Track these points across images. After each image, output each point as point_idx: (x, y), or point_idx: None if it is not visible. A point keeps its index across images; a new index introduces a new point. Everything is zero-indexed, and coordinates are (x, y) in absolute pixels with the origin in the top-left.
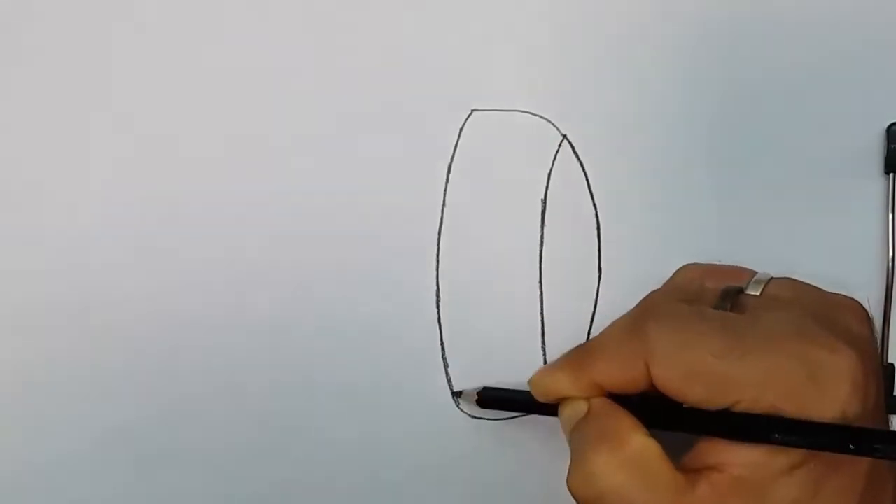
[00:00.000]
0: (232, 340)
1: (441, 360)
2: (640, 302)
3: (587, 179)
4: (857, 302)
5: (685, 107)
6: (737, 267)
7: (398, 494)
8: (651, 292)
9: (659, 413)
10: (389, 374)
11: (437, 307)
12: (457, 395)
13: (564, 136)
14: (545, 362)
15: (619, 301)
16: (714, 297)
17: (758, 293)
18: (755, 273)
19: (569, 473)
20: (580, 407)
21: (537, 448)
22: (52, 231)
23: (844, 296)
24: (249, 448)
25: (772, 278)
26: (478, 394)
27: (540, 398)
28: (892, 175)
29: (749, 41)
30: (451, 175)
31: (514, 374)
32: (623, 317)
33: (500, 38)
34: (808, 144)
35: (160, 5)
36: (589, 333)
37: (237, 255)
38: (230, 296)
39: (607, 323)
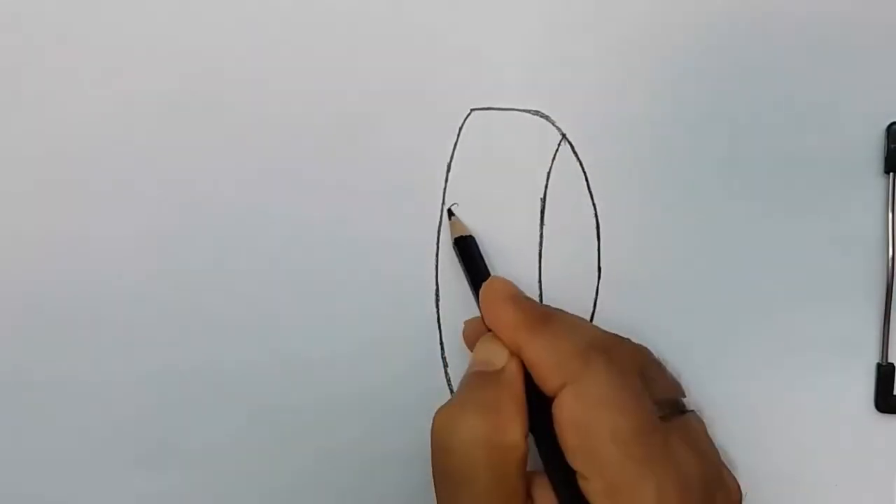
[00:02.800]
0: (232, 340)
1: (441, 358)
2: (619, 337)
3: (586, 179)
4: (739, 489)
5: (684, 106)
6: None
7: (398, 494)
8: (630, 340)
9: (537, 422)
10: (389, 372)
11: (437, 306)
12: (451, 213)
13: (564, 136)
14: None
15: (618, 300)
16: (665, 394)
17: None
18: (682, 394)
19: (443, 406)
20: (500, 356)
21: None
22: (52, 229)
23: (732, 476)
24: (249, 448)
25: (692, 411)
26: (466, 237)
27: (481, 300)
28: (892, 174)
29: (749, 41)
30: (450, 174)
31: None
32: (592, 331)
33: (499, 37)
34: (809, 144)
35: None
36: None
37: (237, 255)
38: (229, 296)
39: (607, 323)
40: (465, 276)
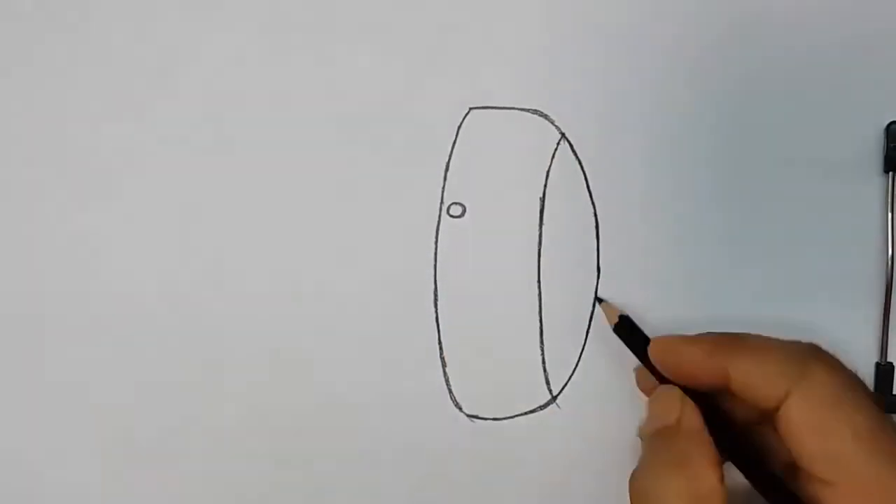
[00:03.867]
0: (231, 340)
1: (439, 358)
2: (805, 343)
3: (586, 178)
4: None
5: (684, 105)
6: None
7: (397, 493)
8: (818, 346)
9: (744, 457)
10: (388, 372)
11: (436, 305)
12: (599, 300)
13: (563, 135)
14: (544, 361)
15: (618, 300)
16: (869, 391)
17: None
18: None
19: (636, 472)
20: (672, 409)
21: (537, 449)
22: (53, 229)
23: None
24: (248, 447)
25: None
26: (619, 317)
27: (657, 359)
28: (891, 174)
29: (749, 41)
30: (448, 173)
31: (513, 373)
32: (780, 340)
33: (498, 36)
34: (808, 143)
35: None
36: (588, 332)
37: (236, 255)
38: (229, 296)
39: (606, 322)
40: (631, 350)
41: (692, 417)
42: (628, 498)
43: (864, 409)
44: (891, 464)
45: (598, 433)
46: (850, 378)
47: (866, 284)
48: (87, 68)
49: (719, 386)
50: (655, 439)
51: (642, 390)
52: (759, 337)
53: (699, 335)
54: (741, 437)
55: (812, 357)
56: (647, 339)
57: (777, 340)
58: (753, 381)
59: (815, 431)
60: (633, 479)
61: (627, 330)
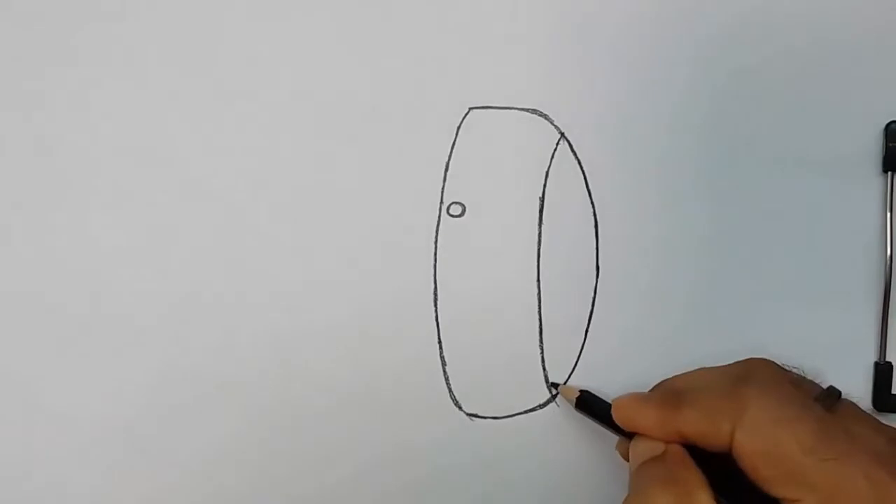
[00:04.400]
0: (230, 340)
1: (439, 357)
2: (743, 363)
3: (585, 178)
4: None
5: (684, 105)
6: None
7: (397, 492)
8: (753, 358)
9: (724, 482)
10: (387, 372)
11: (435, 305)
12: (554, 385)
13: (562, 135)
14: (543, 360)
15: (617, 299)
16: (815, 390)
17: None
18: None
19: (627, 499)
20: (656, 447)
21: (537, 448)
22: (59, 229)
23: None
24: (248, 447)
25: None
26: (580, 392)
27: (621, 424)
28: (890, 173)
29: (748, 41)
30: (448, 173)
31: (512, 372)
32: (721, 370)
33: (498, 36)
34: (808, 143)
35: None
36: (587, 332)
37: (235, 255)
38: (230, 296)
39: (606, 321)
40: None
41: (677, 449)
42: None
43: (804, 419)
44: (843, 463)
45: (597, 433)
46: (784, 391)
47: (865, 284)
48: (85, 68)
49: (680, 442)
50: (643, 470)
51: (622, 455)
52: (696, 380)
53: (650, 393)
54: (731, 475)
55: (745, 384)
56: (607, 404)
57: (713, 375)
58: (701, 431)
59: (764, 456)
60: None
61: (589, 403)
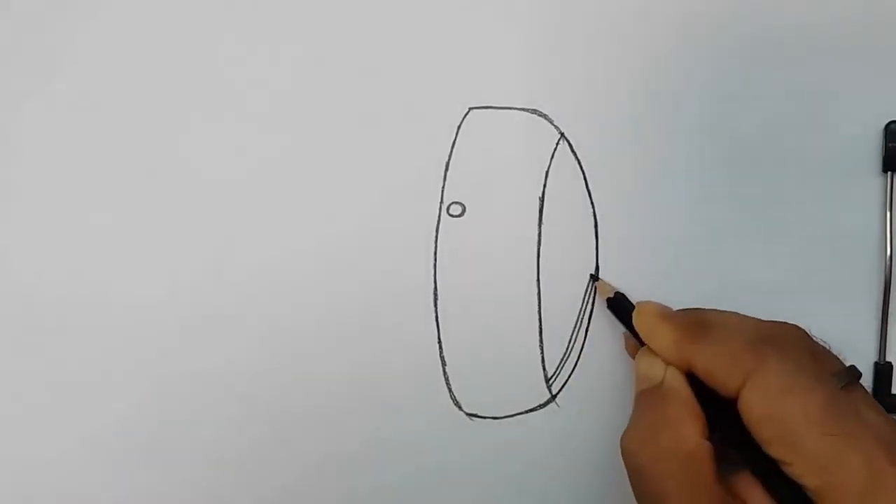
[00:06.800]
0: (232, 339)
1: (439, 357)
2: (776, 323)
3: (585, 178)
4: None
5: (684, 105)
6: None
7: (397, 492)
8: (787, 323)
9: (723, 422)
10: (387, 371)
11: (436, 305)
12: (593, 278)
13: (562, 135)
14: (543, 360)
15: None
16: (835, 366)
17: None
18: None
19: (625, 431)
20: (657, 370)
21: (537, 448)
22: (56, 229)
23: None
24: (248, 447)
25: None
26: (614, 293)
27: (638, 329)
28: (890, 173)
29: (748, 41)
30: (448, 173)
31: (512, 372)
32: (753, 322)
33: (498, 36)
34: (808, 143)
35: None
36: (587, 332)
37: (235, 255)
38: (228, 296)
39: (606, 321)
40: (620, 323)
41: (675, 378)
42: (622, 458)
43: (817, 392)
44: (844, 441)
45: (597, 432)
46: (804, 361)
47: (866, 284)
48: (86, 69)
49: (687, 370)
50: (641, 399)
51: (630, 353)
52: (724, 323)
53: (677, 313)
54: (731, 415)
55: (769, 343)
56: (632, 307)
57: (745, 324)
58: (712, 372)
59: (769, 419)
60: (623, 439)
61: (618, 304)
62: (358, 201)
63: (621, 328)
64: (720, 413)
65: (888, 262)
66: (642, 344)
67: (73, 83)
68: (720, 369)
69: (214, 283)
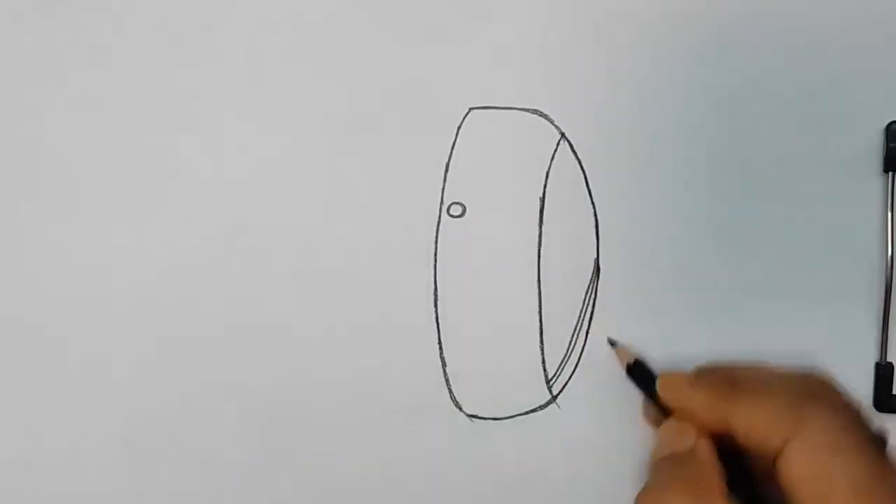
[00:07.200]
0: (232, 339)
1: (439, 358)
2: (806, 375)
3: (585, 178)
4: None
5: (684, 105)
6: None
7: (397, 492)
8: (823, 376)
9: (740, 487)
10: (388, 371)
11: (436, 305)
12: (611, 343)
13: (563, 135)
14: (543, 361)
15: (617, 299)
16: (870, 422)
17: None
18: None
19: (643, 491)
20: (687, 438)
21: (537, 448)
22: (58, 229)
23: None
24: (248, 449)
25: None
26: (634, 360)
27: (665, 398)
28: (891, 173)
29: (748, 42)
30: (448, 173)
31: (512, 372)
32: (783, 377)
33: (498, 36)
34: (808, 143)
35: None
36: (588, 332)
37: (236, 256)
38: (229, 296)
39: (606, 321)
40: (641, 393)
41: (706, 448)
42: None
43: (864, 456)
44: None
45: (597, 433)
46: (850, 419)
47: (866, 284)
48: (85, 68)
49: (724, 433)
50: (665, 462)
51: (651, 423)
52: (759, 379)
53: (704, 375)
54: (755, 482)
55: (812, 400)
56: (654, 377)
57: (779, 379)
58: (753, 431)
59: (813, 481)
60: (641, 498)
61: (639, 371)
62: (358, 201)
63: (622, 329)
64: (745, 483)
65: (888, 263)
66: (664, 413)
67: (73, 83)
68: (762, 428)
69: (213, 284)
